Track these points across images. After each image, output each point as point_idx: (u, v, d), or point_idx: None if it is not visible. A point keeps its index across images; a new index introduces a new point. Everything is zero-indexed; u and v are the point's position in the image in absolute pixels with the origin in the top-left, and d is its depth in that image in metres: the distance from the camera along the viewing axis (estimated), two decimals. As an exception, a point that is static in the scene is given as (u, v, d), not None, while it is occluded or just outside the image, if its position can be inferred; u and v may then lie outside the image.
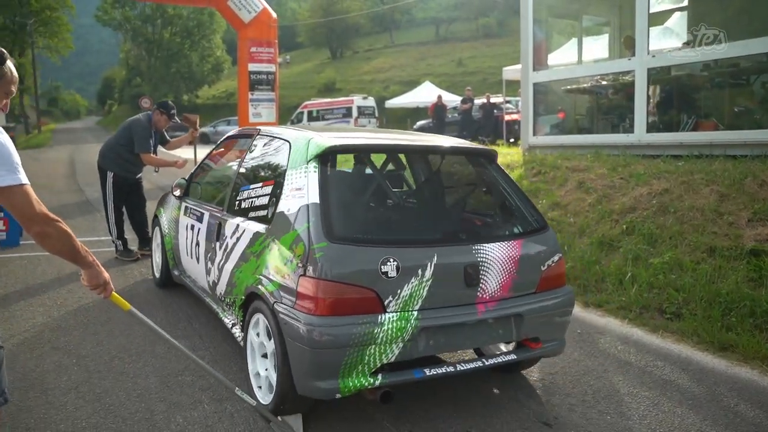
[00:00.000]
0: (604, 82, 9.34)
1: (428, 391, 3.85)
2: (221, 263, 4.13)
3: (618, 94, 9.21)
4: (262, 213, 3.71)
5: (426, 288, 3.13)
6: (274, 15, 16.55)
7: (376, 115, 30.74)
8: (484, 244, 3.38)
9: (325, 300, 2.96)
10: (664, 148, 8.06)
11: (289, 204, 3.37)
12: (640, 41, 8.29)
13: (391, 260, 3.06)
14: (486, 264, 3.33)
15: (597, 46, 10.94)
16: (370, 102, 30.97)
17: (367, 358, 3.00)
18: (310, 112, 31.47)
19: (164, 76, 52.35)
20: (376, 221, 3.54)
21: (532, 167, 8.60)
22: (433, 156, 4.24)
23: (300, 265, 3.09)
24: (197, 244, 4.69)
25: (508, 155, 9.83)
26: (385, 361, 3.05)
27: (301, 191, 3.29)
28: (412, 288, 3.09)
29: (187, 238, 5.00)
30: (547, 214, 7.23)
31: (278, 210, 3.47)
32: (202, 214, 4.68)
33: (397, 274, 3.05)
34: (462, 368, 3.31)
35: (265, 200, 3.75)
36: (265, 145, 4.20)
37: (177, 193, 5.31)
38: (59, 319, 5.12)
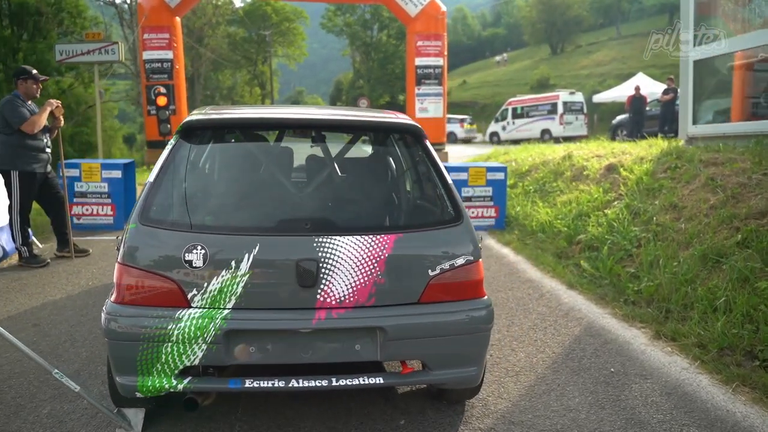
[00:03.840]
0: (779, 54, 7.27)
1: (323, 411, 3.14)
2: None
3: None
4: None
5: (241, 284, 2.64)
6: (443, 7, 16.00)
7: (585, 110, 28.72)
8: (333, 237, 2.70)
9: (124, 287, 2.67)
10: None
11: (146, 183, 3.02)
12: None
13: (198, 248, 2.64)
14: (331, 261, 2.68)
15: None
16: (578, 97, 29.01)
17: (164, 357, 2.63)
18: (514, 110, 30.55)
19: (380, 77, 54.60)
20: (199, 204, 2.96)
21: (665, 161, 6.98)
22: (344, 132, 3.44)
23: (117, 248, 2.79)
24: None
25: (650, 147, 8.17)
26: (187, 363, 2.63)
27: (154, 171, 2.93)
28: (223, 282, 2.64)
29: None
30: (655, 219, 5.76)
31: None
32: None
33: (203, 264, 2.63)
34: (296, 386, 2.66)
35: None
36: None
37: None
38: (71, 299, 5.23)
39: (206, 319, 2.61)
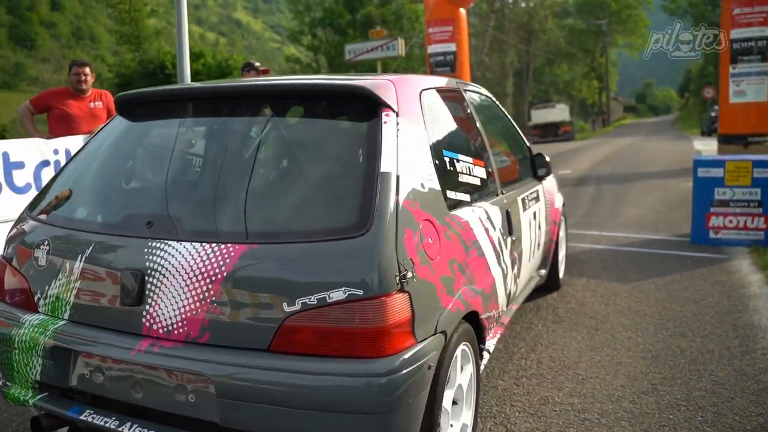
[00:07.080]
0: None
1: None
2: None
3: None
4: None
5: (74, 292, 2.18)
6: (777, -40, 12.65)
7: None
8: (168, 242, 2.02)
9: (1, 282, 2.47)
10: None
11: None
12: None
13: (45, 244, 2.29)
14: (159, 274, 2.00)
15: None
16: None
17: (16, 365, 2.29)
18: None
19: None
20: (71, 194, 2.47)
21: None
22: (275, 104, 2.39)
23: None
24: None
25: None
26: (33, 377, 2.25)
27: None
28: (60, 288, 2.22)
29: None
30: None
31: None
32: None
33: (45, 263, 2.27)
34: (128, 429, 2.01)
35: None
36: None
37: None
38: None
39: (39, 329, 2.23)
